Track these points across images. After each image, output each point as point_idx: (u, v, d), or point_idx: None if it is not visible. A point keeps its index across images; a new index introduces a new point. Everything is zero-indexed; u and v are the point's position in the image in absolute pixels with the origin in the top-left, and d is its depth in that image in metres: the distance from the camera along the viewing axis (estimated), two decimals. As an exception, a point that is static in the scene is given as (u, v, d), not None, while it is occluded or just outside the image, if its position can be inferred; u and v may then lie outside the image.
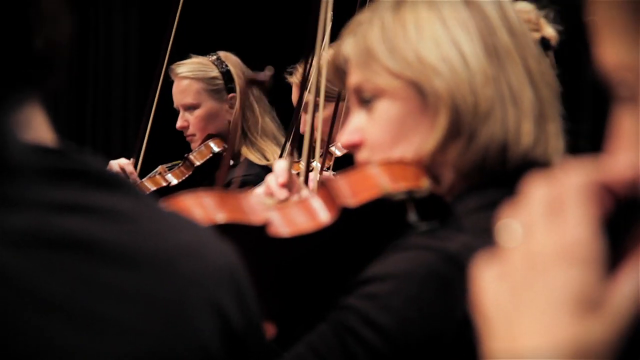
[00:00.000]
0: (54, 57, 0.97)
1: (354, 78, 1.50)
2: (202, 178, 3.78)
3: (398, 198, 1.40)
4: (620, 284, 0.73)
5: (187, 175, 3.84)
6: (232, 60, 3.85)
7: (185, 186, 3.78)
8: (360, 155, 1.51)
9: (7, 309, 0.89)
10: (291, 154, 1.57)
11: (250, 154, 3.71)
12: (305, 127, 3.37)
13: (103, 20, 5.91)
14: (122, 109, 5.92)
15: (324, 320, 1.40)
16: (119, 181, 1.01)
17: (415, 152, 1.46)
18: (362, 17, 1.52)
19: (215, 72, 3.81)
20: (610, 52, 0.77)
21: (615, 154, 0.76)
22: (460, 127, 1.43)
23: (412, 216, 1.40)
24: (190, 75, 3.81)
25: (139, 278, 0.97)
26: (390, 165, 1.44)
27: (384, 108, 1.47)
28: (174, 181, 3.84)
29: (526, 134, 1.44)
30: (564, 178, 0.76)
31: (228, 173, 3.75)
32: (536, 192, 0.77)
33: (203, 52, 3.90)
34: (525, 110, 1.45)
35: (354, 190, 1.42)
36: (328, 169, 3.15)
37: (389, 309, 1.33)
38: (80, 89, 5.89)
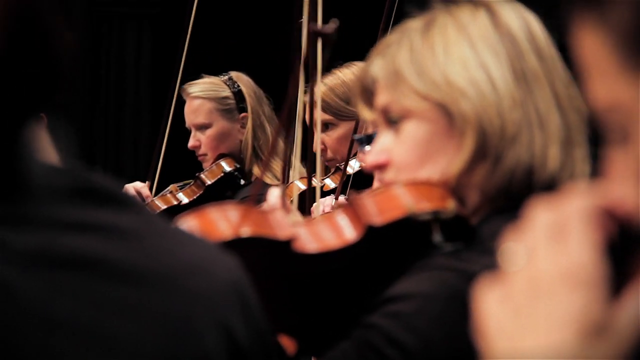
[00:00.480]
0: (57, 75, 0.98)
1: (382, 99, 1.51)
2: (213, 197, 3.79)
3: (423, 218, 1.41)
4: (622, 308, 0.74)
5: (198, 195, 3.85)
6: (243, 80, 3.87)
7: (196, 205, 3.79)
8: (386, 176, 1.52)
9: (15, 328, 0.89)
10: (284, 180, 1.59)
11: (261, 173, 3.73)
12: (316, 146, 3.39)
13: (115, 40, 5.95)
14: (133, 129, 5.94)
15: (346, 337, 1.40)
16: (124, 198, 1.02)
17: (441, 174, 1.46)
18: (391, 39, 1.53)
19: (226, 92, 3.83)
20: (599, 92, 0.77)
21: (608, 190, 0.77)
22: (486, 149, 1.44)
23: (437, 237, 1.41)
24: (202, 95, 3.83)
25: (145, 295, 0.97)
26: (416, 185, 1.45)
27: (411, 129, 1.48)
28: (185, 200, 3.85)
29: (552, 158, 1.45)
30: (567, 202, 0.77)
31: (239, 192, 3.76)
32: (539, 215, 0.77)
33: (215, 72, 3.92)
34: (552, 135, 1.45)
35: (380, 209, 1.43)
36: (345, 188, 3.15)
37: (412, 328, 1.34)
38: (92, 110, 5.92)
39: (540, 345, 0.73)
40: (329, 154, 3.38)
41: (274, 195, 1.60)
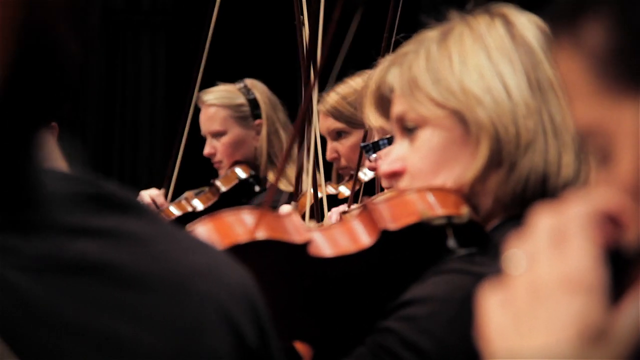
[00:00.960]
0: (66, 84, 0.98)
1: (398, 107, 1.53)
2: (228, 204, 3.81)
3: (438, 223, 1.43)
4: (621, 314, 0.74)
5: (213, 201, 3.87)
6: (258, 87, 3.89)
7: (211, 212, 3.80)
8: (401, 184, 1.54)
9: (27, 332, 0.91)
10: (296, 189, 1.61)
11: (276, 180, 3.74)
12: (333, 154, 3.40)
13: (130, 48, 5.97)
14: (149, 136, 5.95)
15: (361, 342, 1.41)
16: (135, 205, 1.02)
17: (455, 181, 1.48)
18: (408, 48, 1.55)
19: (241, 99, 3.85)
20: (579, 113, 0.78)
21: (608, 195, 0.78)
22: (501, 157, 1.46)
23: (451, 242, 1.42)
24: (217, 102, 3.85)
25: (153, 300, 0.98)
26: (431, 191, 1.47)
27: (427, 137, 1.50)
28: (200, 207, 3.87)
29: (567, 166, 1.47)
30: (568, 208, 0.77)
31: (254, 199, 3.78)
32: (541, 221, 0.78)
33: (230, 80, 3.94)
34: (566, 143, 1.47)
35: (395, 215, 1.45)
36: (357, 196, 3.16)
37: (427, 331, 1.36)
38: (107, 118, 5.94)
39: (537, 347, 0.74)
40: (343, 162, 3.38)
41: (284, 210, 1.62)
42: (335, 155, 3.37)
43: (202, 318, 1.00)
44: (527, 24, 1.52)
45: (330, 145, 3.36)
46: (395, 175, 1.55)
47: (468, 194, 1.48)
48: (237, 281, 1.05)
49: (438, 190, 1.47)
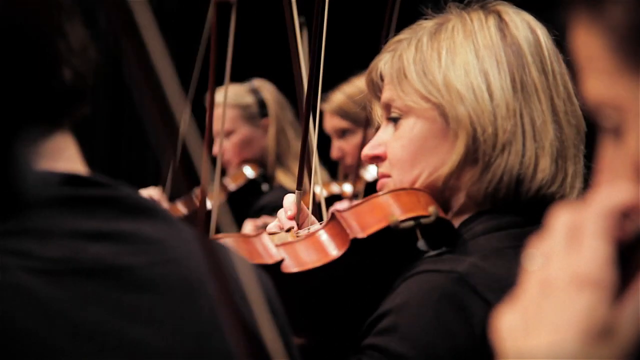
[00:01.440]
0: (82, 87, 1.01)
1: (386, 94, 1.56)
2: (236, 203, 3.82)
3: (406, 226, 1.46)
4: (623, 310, 0.75)
5: (221, 199, 3.88)
6: (266, 87, 3.90)
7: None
8: (380, 169, 1.57)
9: (43, 336, 0.92)
10: (299, 186, 1.62)
11: (285, 179, 3.76)
12: (338, 153, 3.41)
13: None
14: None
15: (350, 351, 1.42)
16: (147, 206, 1.04)
17: (431, 173, 1.51)
18: (403, 36, 1.57)
19: (249, 99, 3.86)
20: (594, 89, 0.79)
21: (601, 185, 0.79)
22: (477, 155, 1.47)
23: (421, 243, 1.45)
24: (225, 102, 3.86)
25: (167, 302, 1.00)
26: (398, 194, 1.50)
27: (409, 126, 1.52)
28: (208, 205, 3.87)
29: (542, 171, 1.48)
30: (584, 208, 0.78)
31: (261, 198, 3.79)
32: (559, 221, 0.78)
33: (238, 79, 3.94)
34: (544, 147, 1.48)
35: (363, 222, 1.48)
36: (356, 195, 3.17)
37: (409, 338, 1.37)
38: (115, 119, 5.95)
39: (543, 344, 0.74)
40: (348, 160, 3.40)
41: (289, 200, 1.64)
42: (340, 154, 3.38)
43: (214, 317, 1.02)
44: (520, 25, 1.53)
45: (336, 144, 3.37)
46: (375, 159, 1.57)
47: (441, 188, 1.50)
48: (250, 277, 1.06)
49: (404, 192, 1.50)
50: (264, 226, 2.18)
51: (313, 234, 1.53)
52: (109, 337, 0.95)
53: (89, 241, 0.97)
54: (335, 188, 3.35)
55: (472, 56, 1.50)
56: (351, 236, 1.47)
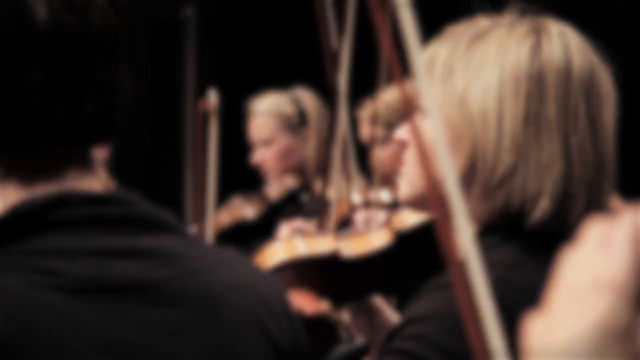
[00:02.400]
0: (107, 119, 1.04)
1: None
2: (276, 213, 3.83)
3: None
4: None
5: (262, 210, 3.89)
6: (306, 96, 3.90)
7: (261, 222, 3.84)
8: (405, 156, 1.53)
9: (76, 352, 0.95)
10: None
11: (324, 189, 3.75)
12: (378, 161, 3.39)
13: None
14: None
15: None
16: (166, 222, 1.07)
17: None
18: (458, 27, 1.51)
19: (290, 108, 3.87)
20: None
21: None
22: (475, 178, 1.44)
23: None
24: (266, 111, 3.87)
25: (190, 316, 1.03)
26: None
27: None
28: (250, 214, 3.88)
29: (541, 209, 1.42)
30: (619, 219, 0.78)
31: (301, 209, 3.79)
32: (591, 231, 0.79)
33: (276, 87, 3.95)
34: (547, 186, 1.43)
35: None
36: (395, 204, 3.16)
37: (438, 346, 1.35)
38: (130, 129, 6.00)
39: (560, 340, 0.75)
40: (387, 168, 3.38)
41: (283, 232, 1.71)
42: (379, 162, 3.37)
43: (236, 329, 1.05)
44: (556, 50, 1.45)
45: (375, 152, 3.36)
46: (403, 144, 1.54)
47: None
48: (269, 292, 1.11)
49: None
50: (299, 229, 2.20)
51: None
52: (139, 352, 0.98)
53: (113, 258, 1.01)
54: (372, 195, 3.34)
55: (495, 78, 1.44)
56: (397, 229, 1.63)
